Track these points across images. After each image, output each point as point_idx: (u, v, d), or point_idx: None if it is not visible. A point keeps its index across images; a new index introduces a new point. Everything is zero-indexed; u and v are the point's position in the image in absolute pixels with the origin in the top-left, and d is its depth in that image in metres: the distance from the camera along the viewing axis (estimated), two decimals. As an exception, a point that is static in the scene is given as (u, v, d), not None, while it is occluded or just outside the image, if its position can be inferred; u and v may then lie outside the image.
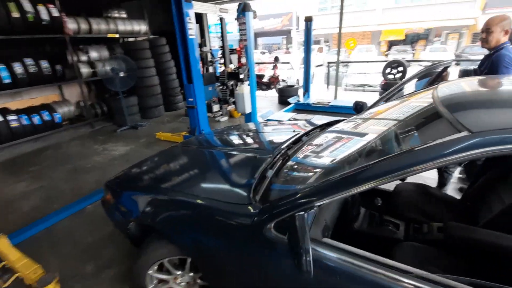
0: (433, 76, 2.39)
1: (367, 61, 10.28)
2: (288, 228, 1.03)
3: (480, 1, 18.31)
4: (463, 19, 19.17)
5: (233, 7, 6.13)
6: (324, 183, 1.04)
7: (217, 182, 1.64)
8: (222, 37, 6.53)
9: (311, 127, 2.19)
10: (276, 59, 8.42)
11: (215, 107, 6.33)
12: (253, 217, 1.16)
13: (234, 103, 6.38)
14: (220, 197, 1.38)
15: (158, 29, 7.17)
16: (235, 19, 4.43)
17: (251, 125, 2.85)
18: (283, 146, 1.79)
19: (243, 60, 4.33)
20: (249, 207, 1.21)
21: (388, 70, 6.45)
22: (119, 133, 5.54)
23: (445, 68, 2.27)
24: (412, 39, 22.66)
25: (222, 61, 7.22)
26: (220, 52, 7.15)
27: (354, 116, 2.04)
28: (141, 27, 6.76)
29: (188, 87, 4.26)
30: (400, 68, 6.29)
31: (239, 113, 4.57)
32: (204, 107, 4.58)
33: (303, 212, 0.98)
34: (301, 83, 10.27)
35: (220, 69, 7.51)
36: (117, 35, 6.20)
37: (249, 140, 2.25)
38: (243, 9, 4.07)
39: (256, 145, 2.13)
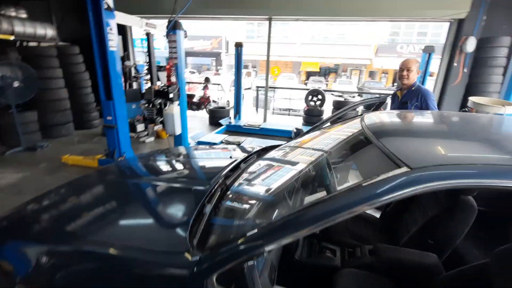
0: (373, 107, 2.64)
1: (292, 88, 11.20)
2: (234, 279, 0.88)
3: (373, 47, 22.57)
4: (362, 59, 23.23)
5: (162, 23, 5.86)
6: (274, 224, 0.94)
7: (143, 224, 1.35)
8: (149, 53, 6.13)
9: (248, 153, 2.13)
10: (207, 79, 8.35)
11: (140, 127, 5.76)
12: (191, 268, 0.96)
13: (162, 123, 5.94)
14: (147, 244, 1.12)
15: (70, 36, 6.27)
16: (165, 36, 4.19)
17: (182, 149, 2.63)
18: (221, 175, 1.64)
19: (173, 79, 4.08)
20: (186, 255, 1.01)
21: (310, 98, 7.10)
22: (8, 156, 4.42)
23: (381, 103, 2.55)
24: (325, 72, 26.13)
25: (148, 77, 6.74)
26: (146, 68, 6.68)
27: (291, 142, 2.06)
28: (47, 31, 5.78)
29: (107, 104, 3.75)
30: (320, 96, 7.01)
31: (168, 134, 4.22)
32: (126, 127, 4.09)
33: (252, 262, 0.84)
34: (232, 104, 10.46)
35: (146, 86, 6.99)
36: (11, 37, 5.11)
37: (181, 167, 2.02)
38: (173, 27, 3.89)
39: (190, 174, 1.91)
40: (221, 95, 9.98)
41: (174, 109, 4.04)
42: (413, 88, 2.38)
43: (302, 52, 24.11)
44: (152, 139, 5.68)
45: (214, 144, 4.88)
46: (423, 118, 1.63)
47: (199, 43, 23.97)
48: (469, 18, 5.48)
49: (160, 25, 5.88)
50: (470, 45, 5.45)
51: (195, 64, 26.31)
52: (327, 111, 7.65)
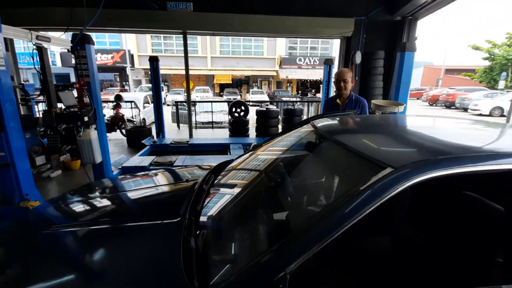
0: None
1: (215, 101, 11.21)
2: None
3: (277, 60, 24.94)
4: (269, 70, 25.32)
5: (57, 35, 5.01)
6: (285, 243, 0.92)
7: (129, 273, 1.09)
8: (43, 71, 5.10)
9: (201, 174, 2.02)
10: (119, 97, 7.52)
11: (39, 159, 4.73)
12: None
13: (69, 151, 5.02)
14: None
15: None
16: (69, 51, 3.59)
17: (116, 181, 2.25)
18: (189, 202, 1.51)
19: (86, 99, 3.52)
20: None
21: (233, 109, 7.28)
22: None
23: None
24: (237, 83, 27.26)
25: (41, 98, 5.61)
26: (36, 88, 5.55)
27: (248, 154, 2.06)
28: None
29: (-4, 137, 2.95)
30: (243, 107, 7.28)
31: (86, 163, 3.59)
32: (27, 162, 3.30)
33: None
34: (147, 123, 9.71)
35: (38, 109, 5.78)
36: None
37: (130, 203, 1.75)
38: (81, 41, 3.39)
39: (148, 208, 1.68)
40: (135, 114, 9.16)
41: (91, 134, 3.49)
42: (353, 98, 2.68)
43: (213, 65, 24.54)
44: (59, 172, 4.72)
45: (143, 168, 4.43)
46: (368, 122, 1.87)
47: (98, 57, 21.41)
48: (354, 36, 6.73)
49: (55, 39, 5.01)
50: (358, 57, 6.69)
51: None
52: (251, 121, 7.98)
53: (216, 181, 1.77)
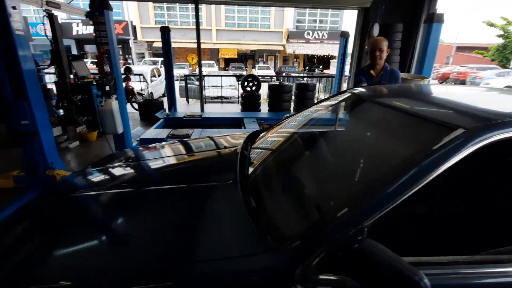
0: None
1: (225, 75, 11.01)
2: (351, 263, 0.83)
3: (284, 34, 24.08)
4: (276, 45, 24.54)
5: (67, 1, 4.82)
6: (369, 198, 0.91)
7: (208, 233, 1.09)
8: (55, 39, 4.96)
9: (235, 142, 1.99)
10: (128, 69, 7.38)
11: (56, 131, 4.73)
12: (284, 263, 0.88)
13: (85, 122, 5.02)
14: (218, 253, 0.96)
15: None
16: (87, 17, 3.45)
17: (149, 149, 2.23)
18: (239, 165, 1.50)
19: (106, 68, 3.44)
20: (269, 253, 0.92)
21: (245, 84, 7.14)
22: None
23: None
24: (242, 58, 26.55)
25: (52, 70, 5.50)
26: (45, 59, 5.42)
27: (287, 120, 2.00)
28: None
29: (20, 106, 2.92)
30: (255, 82, 7.14)
31: (108, 134, 3.58)
32: (50, 131, 3.31)
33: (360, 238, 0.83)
34: (155, 96, 9.59)
35: (48, 78, 5.69)
36: None
37: (179, 168, 1.73)
38: (100, 6, 3.24)
39: (199, 173, 1.65)
40: (143, 87, 9.03)
41: (113, 104, 3.45)
42: (388, 69, 2.54)
43: (218, 38, 23.77)
44: (77, 143, 4.75)
45: (161, 140, 4.44)
46: (413, 90, 1.79)
47: (99, 29, 20.72)
48: (373, 8, 6.42)
49: (65, 6, 4.83)
50: (376, 30, 6.41)
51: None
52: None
53: (258, 146, 1.76)
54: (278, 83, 6.93)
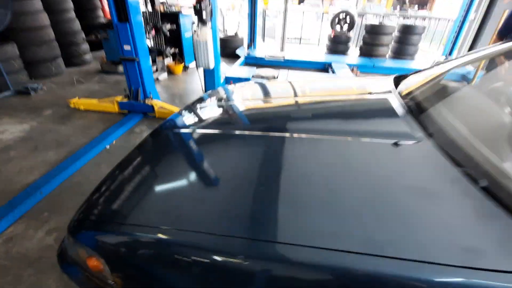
0: None
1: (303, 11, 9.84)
2: None
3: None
4: (363, -23, 20.67)
5: None
6: None
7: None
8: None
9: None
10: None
11: (146, 61, 4.80)
12: None
13: (173, 54, 5.00)
14: None
15: None
16: None
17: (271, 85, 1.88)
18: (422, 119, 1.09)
19: (202, -8, 3.08)
20: None
21: (336, 21, 6.14)
22: (-2, 103, 3.55)
23: None
24: (320, -6, 23.41)
25: (141, -2, 5.40)
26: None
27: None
28: None
29: (122, 28, 2.85)
30: (348, 20, 6.07)
31: (201, 67, 3.40)
32: (148, 60, 3.26)
33: None
34: (229, 34, 9.13)
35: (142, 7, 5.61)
36: None
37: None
38: None
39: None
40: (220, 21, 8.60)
41: (207, 34, 3.17)
42: None
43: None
44: (165, 75, 4.81)
45: (246, 80, 4.16)
46: None
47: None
48: None
49: None
50: None
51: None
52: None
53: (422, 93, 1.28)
54: (378, 24, 5.77)
